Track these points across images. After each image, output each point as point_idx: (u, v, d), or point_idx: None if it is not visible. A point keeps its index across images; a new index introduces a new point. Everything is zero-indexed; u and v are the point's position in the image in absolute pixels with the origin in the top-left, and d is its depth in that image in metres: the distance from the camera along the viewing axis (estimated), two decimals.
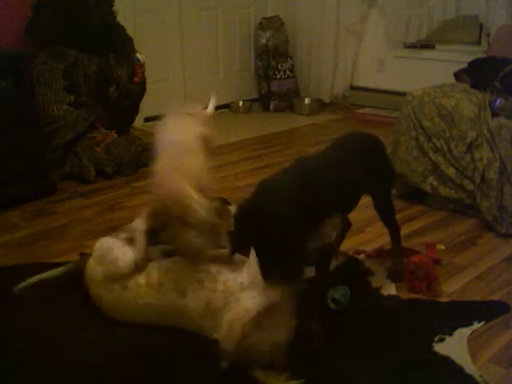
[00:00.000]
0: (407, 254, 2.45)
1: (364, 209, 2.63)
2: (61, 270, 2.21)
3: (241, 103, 5.53)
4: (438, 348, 1.91)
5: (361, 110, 5.27)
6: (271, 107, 5.52)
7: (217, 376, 1.76)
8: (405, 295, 2.25)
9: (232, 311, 1.80)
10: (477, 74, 3.21)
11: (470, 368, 1.80)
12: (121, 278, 1.96)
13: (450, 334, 1.98)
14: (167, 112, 2.35)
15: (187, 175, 1.95)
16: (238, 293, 1.84)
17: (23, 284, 2.15)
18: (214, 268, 1.95)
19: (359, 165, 2.02)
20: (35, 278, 2.17)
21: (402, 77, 5.07)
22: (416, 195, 3.18)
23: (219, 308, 1.84)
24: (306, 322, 1.91)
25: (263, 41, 5.45)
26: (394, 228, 2.41)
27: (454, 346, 1.92)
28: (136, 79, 3.80)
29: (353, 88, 5.61)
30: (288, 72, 5.56)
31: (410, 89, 3.31)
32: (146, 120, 4.95)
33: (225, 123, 5.13)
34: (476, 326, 2.03)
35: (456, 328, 2.01)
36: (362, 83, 5.55)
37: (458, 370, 1.80)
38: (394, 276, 2.35)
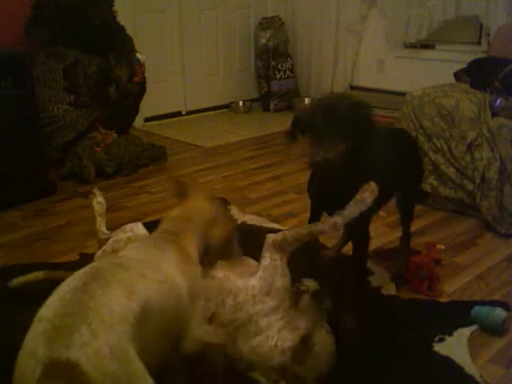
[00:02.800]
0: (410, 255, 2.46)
1: None
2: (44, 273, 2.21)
3: (241, 103, 5.53)
4: (438, 348, 1.91)
5: None
6: (271, 107, 5.52)
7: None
8: (405, 295, 2.25)
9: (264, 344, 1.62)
10: (477, 74, 3.20)
11: (470, 368, 1.80)
12: None
13: (450, 334, 1.98)
14: None
15: None
16: (252, 311, 1.64)
17: (21, 279, 2.16)
18: (220, 273, 1.74)
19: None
20: (32, 276, 2.17)
21: (402, 77, 5.06)
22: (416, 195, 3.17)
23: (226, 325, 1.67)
24: (343, 319, 1.94)
25: (263, 41, 5.45)
26: (404, 232, 2.41)
27: (454, 346, 1.92)
28: (136, 79, 3.80)
29: (353, 88, 5.61)
30: (288, 72, 5.56)
31: (410, 89, 3.31)
32: (146, 120, 4.96)
33: (225, 123, 5.13)
34: (476, 326, 2.03)
35: (456, 328, 2.01)
36: (362, 83, 5.54)
37: (458, 370, 1.80)
38: (397, 279, 2.35)
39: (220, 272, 1.73)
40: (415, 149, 2.38)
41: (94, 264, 1.35)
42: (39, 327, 1.13)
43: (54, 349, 1.08)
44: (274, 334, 1.62)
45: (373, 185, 1.63)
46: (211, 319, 1.67)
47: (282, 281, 1.68)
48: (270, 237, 1.72)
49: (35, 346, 1.10)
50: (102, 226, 2.23)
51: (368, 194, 1.62)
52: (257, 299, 1.65)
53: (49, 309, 1.16)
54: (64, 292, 1.19)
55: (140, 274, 1.32)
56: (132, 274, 1.30)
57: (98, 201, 2.28)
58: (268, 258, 1.69)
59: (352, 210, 1.64)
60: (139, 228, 2.10)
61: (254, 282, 1.68)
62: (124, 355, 1.12)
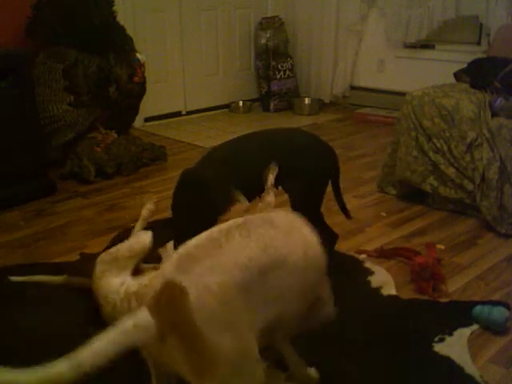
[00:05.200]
0: (410, 255, 2.45)
1: (364, 209, 2.65)
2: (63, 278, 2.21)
3: (241, 103, 5.53)
4: (438, 348, 1.91)
5: (361, 110, 5.27)
6: (271, 107, 5.52)
7: None
8: (405, 295, 2.25)
9: None
10: (476, 74, 3.20)
11: (470, 368, 1.80)
12: None
13: (450, 334, 1.98)
14: None
15: None
16: None
17: (20, 279, 2.19)
18: None
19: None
20: (36, 278, 2.18)
21: (402, 77, 5.07)
22: (416, 195, 3.17)
23: None
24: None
25: (263, 41, 5.45)
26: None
27: (454, 346, 1.92)
28: (136, 79, 3.80)
29: (353, 88, 5.61)
30: (288, 72, 5.56)
31: (410, 89, 3.31)
32: (146, 120, 4.96)
33: (225, 123, 5.13)
34: (476, 326, 2.03)
35: (456, 328, 2.01)
36: (362, 83, 5.54)
37: (458, 370, 1.80)
38: None
39: None
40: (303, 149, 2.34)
41: (247, 216, 1.45)
42: (181, 251, 1.30)
43: (176, 271, 1.23)
44: None
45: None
46: None
47: None
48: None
49: (167, 266, 1.27)
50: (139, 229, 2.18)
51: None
52: None
53: (195, 240, 1.32)
54: (213, 232, 1.34)
55: (285, 232, 1.40)
56: (277, 232, 1.38)
57: (148, 207, 2.27)
58: None
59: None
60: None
61: None
62: (228, 298, 1.21)
